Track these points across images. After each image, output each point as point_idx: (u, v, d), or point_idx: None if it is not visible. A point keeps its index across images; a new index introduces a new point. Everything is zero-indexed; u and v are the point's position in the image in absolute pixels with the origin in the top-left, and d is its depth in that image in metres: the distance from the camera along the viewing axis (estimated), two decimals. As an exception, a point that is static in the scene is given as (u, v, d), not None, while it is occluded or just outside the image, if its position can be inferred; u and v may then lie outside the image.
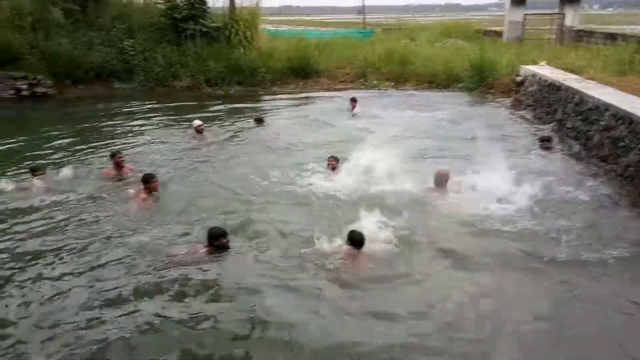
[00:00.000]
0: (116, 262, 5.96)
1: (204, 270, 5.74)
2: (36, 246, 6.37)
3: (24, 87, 17.39)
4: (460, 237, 6.63)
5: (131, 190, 8.02)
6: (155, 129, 13.19)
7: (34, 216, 7.23)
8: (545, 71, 15.04)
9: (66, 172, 8.93)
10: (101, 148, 11.08)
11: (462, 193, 7.77)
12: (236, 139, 12.09)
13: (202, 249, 6.03)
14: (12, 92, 17.29)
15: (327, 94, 18.54)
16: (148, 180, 7.76)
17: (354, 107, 14.67)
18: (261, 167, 9.47)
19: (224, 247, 6.05)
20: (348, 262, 5.87)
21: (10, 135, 12.17)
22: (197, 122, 12.03)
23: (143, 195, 7.70)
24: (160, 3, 20.85)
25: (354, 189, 8.02)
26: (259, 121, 13.29)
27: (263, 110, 15.73)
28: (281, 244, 6.43)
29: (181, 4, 20.02)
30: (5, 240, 6.53)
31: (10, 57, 17.37)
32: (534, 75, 15.67)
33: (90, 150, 10.99)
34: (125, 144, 11.51)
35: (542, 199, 7.57)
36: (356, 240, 5.95)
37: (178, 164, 9.84)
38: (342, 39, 24.27)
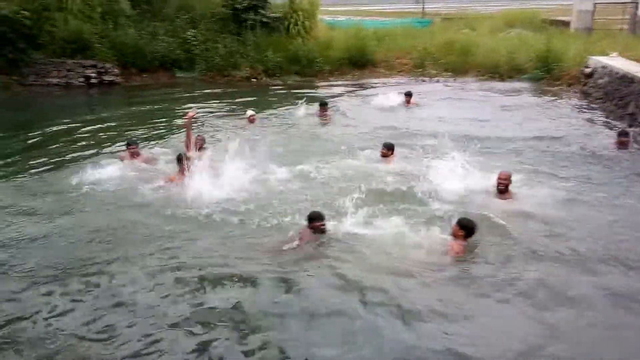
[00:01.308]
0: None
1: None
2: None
3: (93, 75, 18.21)
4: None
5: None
6: (211, 117, 13.44)
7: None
8: (617, 63, 14.32)
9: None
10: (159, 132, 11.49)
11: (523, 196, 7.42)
12: (288, 128, 12.17)
13: (305, 232, 6.16)
14: (82, 79, 18.16)
15: (383, 84, 18.37)
16: (181, 160, 7.92)
17: (408, 101, 14.36)
18: (315, 156, 9.48)
19: (321, 231, 6.14)
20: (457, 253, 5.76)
21: (82, 118, 12.85)
22: (249, 112, 12.20)
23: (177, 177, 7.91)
24: (222, -7, 21.24)
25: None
26: (323, 105, 13.22)
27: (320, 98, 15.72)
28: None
29: (242, -5, 20.32)
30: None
31: (81, 46, 18.21)
32: (604, 67, 14.94)
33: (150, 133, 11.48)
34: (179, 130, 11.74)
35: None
36: (469, 227, 5.82)
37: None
38: (400, 28, 23.89)
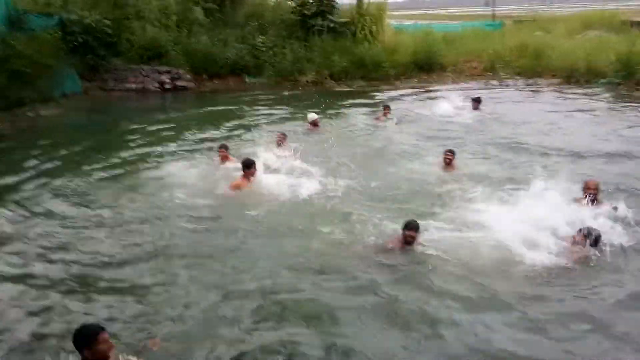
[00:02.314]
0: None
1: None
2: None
3: (167, 80, 19.01)
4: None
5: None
6: (276, 120, 13.65)
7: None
8: None
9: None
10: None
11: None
12: (352, 133, 12.18)
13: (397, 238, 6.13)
14: (157, 84, 19.00)
15: (449, 89, 17.96)
16: (249, 166, 7.97)
17: (475, 107, 13.92)
18: (381, 160, 9.42)
19: (409, 242, 6.01)
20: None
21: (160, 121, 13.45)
22: (312, 116, 12.14)
23: (242, 181, 7.97)
24: (291, 0, 21.60)
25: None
26: (387, 108, 13.23)
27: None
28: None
29: (311, 1, 20.54)
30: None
31: (156, 53, 19.07)
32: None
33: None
34: (240, 135, 12.05)
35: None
36: (592, 235, 5.77)
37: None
38: (470, 30, 23.33)
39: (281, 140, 9.92)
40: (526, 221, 6.30)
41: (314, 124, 12.05)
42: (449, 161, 8.95)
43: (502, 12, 42.46)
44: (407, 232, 5.96)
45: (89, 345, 3.53)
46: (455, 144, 10.06)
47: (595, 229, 5.85)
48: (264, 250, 6.23)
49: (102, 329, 3.66)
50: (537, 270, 5.54)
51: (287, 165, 8.56)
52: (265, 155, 8.78)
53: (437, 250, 5.95)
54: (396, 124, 12.73)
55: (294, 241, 6.41)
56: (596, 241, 5.77)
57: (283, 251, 6.20)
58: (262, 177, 8.08)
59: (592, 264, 5.67)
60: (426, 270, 5.66)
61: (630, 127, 11.94)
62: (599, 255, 5.75)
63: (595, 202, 6.85)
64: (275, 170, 8.43)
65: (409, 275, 5.63)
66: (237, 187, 7.98)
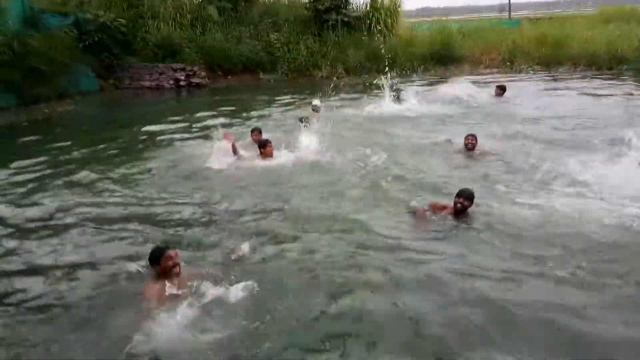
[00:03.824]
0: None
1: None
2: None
3: (182, 77, 18.95)
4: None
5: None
6: (287, 113, 13.30)
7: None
8: None
9: None
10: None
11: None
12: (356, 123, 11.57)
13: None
14: (172, 82, 18.94)
15: (470, 79, 17.49)
16: (264, 145, 8.17)
17: (499, 95, 13.46)
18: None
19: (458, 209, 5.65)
20: None
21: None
22: (315, 102, 11.93)
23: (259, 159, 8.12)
24: (304, -4, 21.57)
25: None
26: (397, 92, 13.09)
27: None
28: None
29: (324, -5, 20.45)
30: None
31: (171, 50, 19.05)
32: None
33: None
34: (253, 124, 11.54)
35: None
36: None
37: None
38: (487, 24, 22.98)
39: (256, 136, 9.26)
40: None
41: (315, 110, 11.65)
42: (471, 146, 8.28)
43: (518, 16, 42.05)
44: (458, 200, 5.57)
45: (157, 262, 4.21)
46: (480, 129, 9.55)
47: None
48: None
49: (167, 248, 4.29)
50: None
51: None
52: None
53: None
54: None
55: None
56: None
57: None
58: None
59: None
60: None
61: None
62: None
63: None
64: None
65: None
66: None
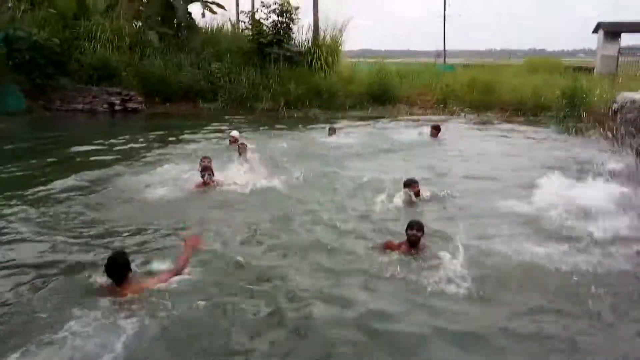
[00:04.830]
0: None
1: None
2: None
3: (117, 101, 18.45)
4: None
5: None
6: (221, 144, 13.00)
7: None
8: (647, 97, 13.86)
9: None
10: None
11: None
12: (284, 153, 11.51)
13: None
14: (106, 106, 18.39)
15: (404, 120, 18.04)
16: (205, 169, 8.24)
17: (434, 135, 13.71)
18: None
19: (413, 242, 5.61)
20: None
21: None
22: (234, 133, 12.04)
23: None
24: (248, 29, 21.70)
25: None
26: (332, 130, 13.20)
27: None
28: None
29: (267, 30, 20.68)
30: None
31: (107, 74, 18.54)
32: (633, 102, 14.49)
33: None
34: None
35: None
36: None
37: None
38: (424, 67, 23.97)
39: (206, 164, 9.10)
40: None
41: (233, 141, 11.53)
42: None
43: (452, 62, 44.30)
44: (410, 232, 5.52)
45: None
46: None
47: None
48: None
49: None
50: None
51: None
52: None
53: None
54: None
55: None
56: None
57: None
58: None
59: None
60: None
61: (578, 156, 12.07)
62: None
63: None
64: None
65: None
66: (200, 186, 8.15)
